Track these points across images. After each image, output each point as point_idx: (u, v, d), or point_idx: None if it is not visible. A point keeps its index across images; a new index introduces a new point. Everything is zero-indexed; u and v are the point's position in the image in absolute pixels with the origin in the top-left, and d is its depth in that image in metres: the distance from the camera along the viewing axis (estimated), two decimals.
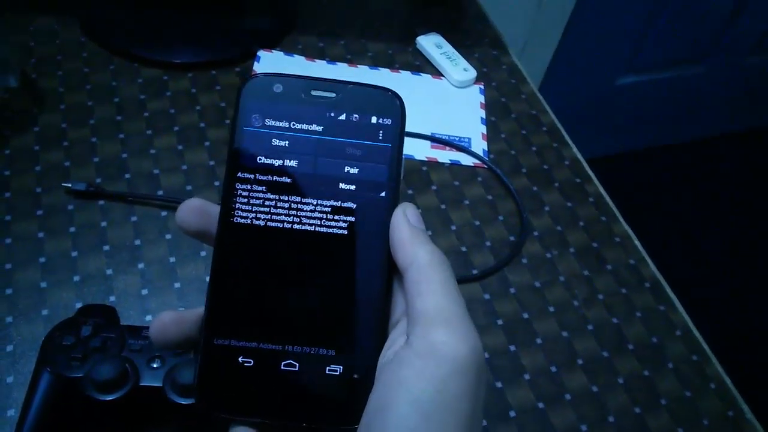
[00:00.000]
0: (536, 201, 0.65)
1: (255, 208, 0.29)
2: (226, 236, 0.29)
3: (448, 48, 0.75)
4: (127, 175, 0.61)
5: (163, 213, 0.59)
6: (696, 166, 1.95)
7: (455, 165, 0.67)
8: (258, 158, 0.29)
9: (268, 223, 0.29)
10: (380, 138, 0.30)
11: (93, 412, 0.44)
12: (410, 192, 0.64)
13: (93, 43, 0.72)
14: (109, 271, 0.55)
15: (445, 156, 0.67)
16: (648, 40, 1.59)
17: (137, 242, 0.57)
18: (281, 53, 0.74)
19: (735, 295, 1.66)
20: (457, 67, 0.73)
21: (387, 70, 0.74)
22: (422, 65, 0.76)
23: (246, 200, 0.29)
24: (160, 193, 0.60)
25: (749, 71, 1.81)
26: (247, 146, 0.29)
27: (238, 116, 0.30)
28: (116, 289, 0.54)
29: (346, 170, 0.29)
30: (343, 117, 0.30)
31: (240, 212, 0.29)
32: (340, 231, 0.29)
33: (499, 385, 0.52)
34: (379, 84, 0.31)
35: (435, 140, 0.68)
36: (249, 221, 0.29)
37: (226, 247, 0.29)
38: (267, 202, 0.29)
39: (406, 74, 0.74)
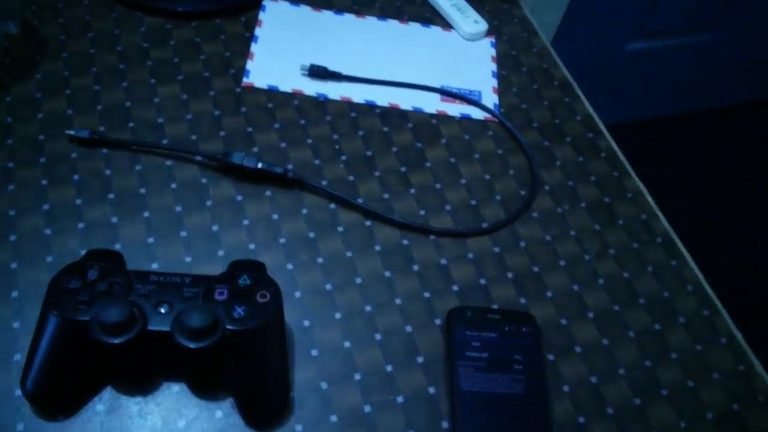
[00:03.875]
0: (547, 155, 0.64)
1: (471, 379, 0.48)
2: (459, 398, 0.47)
3: None
4: (131, 124, 0.60)
5: (168, 162, 0.58)
6: (707, 135, 1.93)
7: (465, 118, 0.65)
8: (466, 351, 0.49)
9: (480, 388, 0.48)
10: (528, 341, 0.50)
11: (100, 355, 0.43)
12: (419, 145, 0.63)
13: None
14: (114, 219, 0.54)
15: (455, 109, 0.66)
16: (658, 5, 1.57)
17: (142, 191, 0.56)
18: (286, 2, 0.72)
19: (746, 253, 1.67)
20: (467, 19, 0.71)
21: (396, 22, 0.72)
22: (431, 17, 0.74)
23: (466, 374, 0.48)
24: (165, 142, 0.59)
25: (761, 39, 1.78)
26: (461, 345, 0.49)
27: (453, 330, 0.50)
28: (122, 237, 0.53)
29: (513, 357, 0.49)
30: (506, 328, 0.50)
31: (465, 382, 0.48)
32: (513, 392, 0.48)
33: None
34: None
35: (445, 93, 0.66)
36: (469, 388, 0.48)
37: (463, 407, 0.47)
38: (478, 375, 0.48)
39: (415, 26, 0.73)
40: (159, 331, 0.43)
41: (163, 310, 0.44)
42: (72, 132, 0.58)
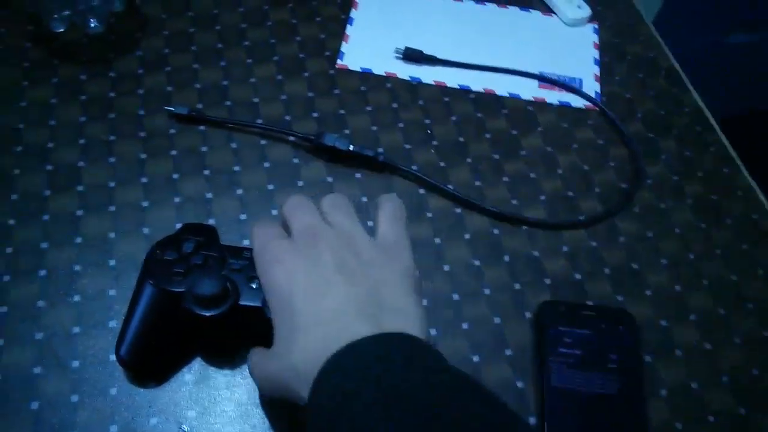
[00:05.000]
0: (651, 148, 0.60)
1: (562, 375, 0.46)
2: (549, 395, 0.46)
3: None
4: (228, 103, 0.61)
5: (263, 141, 0.58)
6: None
7: (564, 106, 0.63)
8: (558, 347, 0.48)
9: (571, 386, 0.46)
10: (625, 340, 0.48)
11: (192, 326, 0.44)
12: (515, 132, 0.61)
13: None
14: (208, 195, 0.55)
15: (553, 97, 0.63)
16: None
17: (236, 168, 0.57)
18: None
19: None
20: (570, 4, 0.69)
21: (494, 5, 0.71)
22: (531, 1, 0.72)
23: (557, 370, 0.47)
24: (260, 121, 0.60)
25: None
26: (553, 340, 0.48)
27: (545, 324, 0.49)
28: (215, 212, 0.54)
29: (608, 356, 0.47)
30: (602, 326, 0.48)
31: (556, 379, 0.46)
32: (607, 392, 0.46)
33: None
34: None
35: (544, 79, 0.64)
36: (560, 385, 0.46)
37: (554, 404, 0.46)
38: (569, 372, 0.47)
39: (513, 10, 0.70)
40: (250, 306, 0.43)
41: (254, 286, 0.44)
42: (171, 108, 0.59)
